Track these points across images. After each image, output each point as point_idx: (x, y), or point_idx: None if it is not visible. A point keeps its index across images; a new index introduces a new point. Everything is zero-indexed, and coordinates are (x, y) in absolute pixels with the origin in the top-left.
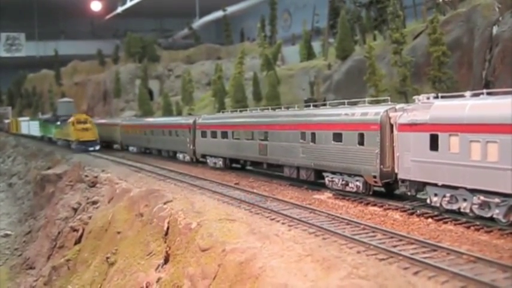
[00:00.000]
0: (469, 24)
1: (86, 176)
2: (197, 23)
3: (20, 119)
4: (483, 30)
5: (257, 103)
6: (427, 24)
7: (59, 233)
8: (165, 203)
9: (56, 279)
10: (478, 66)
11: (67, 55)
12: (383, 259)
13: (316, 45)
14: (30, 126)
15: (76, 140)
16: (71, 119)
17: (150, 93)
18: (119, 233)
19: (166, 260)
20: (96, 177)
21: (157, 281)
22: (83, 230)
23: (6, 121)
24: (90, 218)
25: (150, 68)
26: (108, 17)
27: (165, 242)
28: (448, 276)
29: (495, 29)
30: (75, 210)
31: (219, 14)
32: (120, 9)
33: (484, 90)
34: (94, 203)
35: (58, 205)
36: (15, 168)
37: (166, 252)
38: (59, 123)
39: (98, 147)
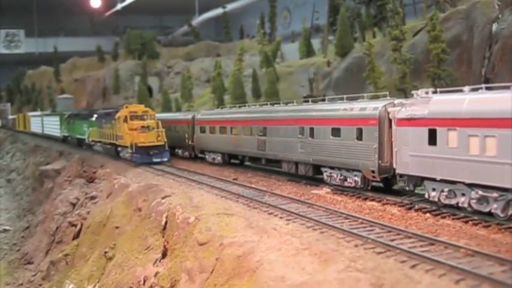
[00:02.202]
0: (468, 21)
1: (85, 171)
2: (197, 20)
3: (30, 113)
4: (483, 28)
5: (256, 100)
6: (426, 21)
7: (57, 228)
8: (163, 198)
9: (54, 274)
10: (478, 63)
11: (66, 52)
12: (381, 252)
13: (316, 43)
14: (44, 123)
15: (133, 145)
16: (121, 112)
17: (150, 90)
18: (117, 227)
19: (164, 255)
20: (94, 172)
21: (155, 275)
22: (81, 225)
23: (11, 117)
24: (88, 213)
25: (150, 65)
26: (107, 13)
27: (163, 237)
28: (446, 269)
29: (494, 27)
30: (73, 205)
31: (218, 11)
32: (119, 6)
33: (483, 85)
34: (92, 198)
35: (56, 200)
36: (13, 164)
37: (164, 246)
38: (94, 118)
39: (167, 157)
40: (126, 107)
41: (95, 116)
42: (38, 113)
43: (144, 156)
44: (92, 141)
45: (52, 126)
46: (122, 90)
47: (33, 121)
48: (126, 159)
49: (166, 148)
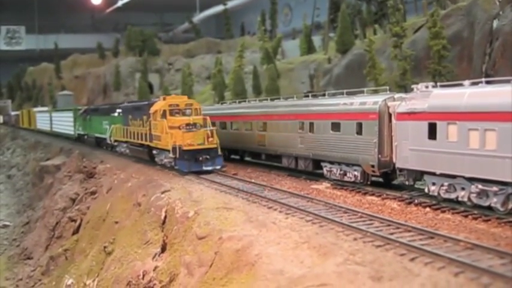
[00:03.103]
0: (469, 18)
1: (85, 166)
2: (197, 17)
3: (36, 109)
4: (483, 24)
5: (257, 96)
6: (427, 18)
7: (57, 223)
8: (162, 193)
9: (53, 269)
10: (478, 60)
11: (67, 48)
12: (380, 246)
13: (317, 40)
14: (53, 120)
15: (176, 148)
16: (157, 105)
17: (150, 86)
18: (116, 222)
19: (163, 249)
20: (94, 167)
21: (154, 270)
22: (81, 220)
23: (14, 113)
24: (88, 208)
25: (150, 62)
26: (108, 10)
27: (162, 231)
28: (445, 262)
29: (495, 23)
30: (73, 200)
31: (219, 8)
32: (120, 3)
33: (483, 79)
34: (92, 193)
35: (56, 196)
36: (14, 160)
37: (163, 241)
38: (118, 113)
39: (220, 165)
40: (164, 99)
41: (119, 110)
42: (45, 108)
43: (192, 163)
44: (115, 141)
45: (63, 123)
46: (123, 87)
47: (40, 117)
48: (163, 166)
49: (219, 152)
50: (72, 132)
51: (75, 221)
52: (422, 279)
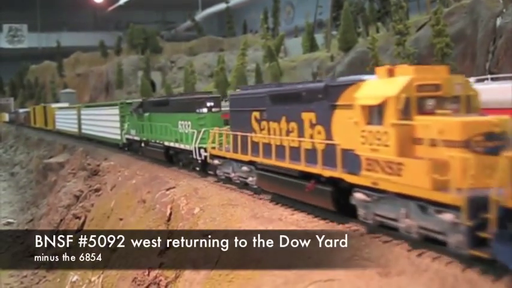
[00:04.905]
0: (472, 15)
1: (88, 164)
2: (200, 15)
3: (55, 105)
4: (487, 22)
5: None
6: (430, 15)
7: (61, 220)
8: (167, 190)
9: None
10: (482, 57)
11: (69, 46)
12: (387, 241)
13: (319, 38)
14: (82, 120)
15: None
16: (377, 87)
17: (153, 84)
18: (121, 219)
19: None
20: (98, 165)
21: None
22: (85, 217)
23: (22, 110)
24: (92, 205)
25: (153, 60)
26: (110, 8)
27: (168, 228)
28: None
29: (499, 21)
30: (77, 197)
31: (221, 6)
32: (122, 1)
33: (489, 76)
34: (96, 190)
35: (60, 193)
36: (17, 158)
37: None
38: (205, 110)
39: None
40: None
41: (211, 103)
42: (65, 104)
43: None
44: (213, 156)
45: (101, 123)
46: (125, 84)
47: (61, 116)
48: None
49: None
50: (117, 137)
51: (79, 218)
52: None
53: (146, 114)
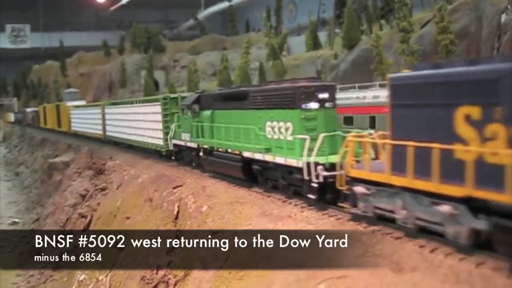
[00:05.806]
0: (477, 12)
1: (94, 163)
2: (202, 14)
3: (71, 103)
4: (491, 18)
5: None
6: (434, 12)
7: (67, 219)
8: (174, 188)
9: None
10: (486, 54)
11: (72, 46)
12: (399, 238)
13: (322, 36)
14: (108, 119)
15: None
16: None
17: (156, 83)
18: (127, 218)
19: None
20: (104, 164)
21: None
22: (92, 216)
23: (30, 110)
24: (98, 204)
25: (156, 59)
26: (113, 8)
27: (175, 226)
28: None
29: (503, 17)
30: (83, 197)
31: (224, 4)
32: (124, 1)
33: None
34: (102, 189)
35: (66, 192)
36: (21, 158)
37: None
38: (316, 106)
39: None
40: None
41: (324, 94)
42: (82, 102)
43: None
44: (351, 179)
45: (135, 123)
46: (128, 84)
47: (78, 115)
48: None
49: None
50: (158, 142)
51: (85, 217)
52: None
53: (207, 112)
